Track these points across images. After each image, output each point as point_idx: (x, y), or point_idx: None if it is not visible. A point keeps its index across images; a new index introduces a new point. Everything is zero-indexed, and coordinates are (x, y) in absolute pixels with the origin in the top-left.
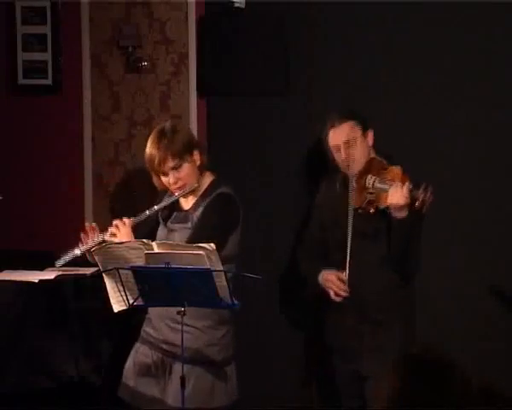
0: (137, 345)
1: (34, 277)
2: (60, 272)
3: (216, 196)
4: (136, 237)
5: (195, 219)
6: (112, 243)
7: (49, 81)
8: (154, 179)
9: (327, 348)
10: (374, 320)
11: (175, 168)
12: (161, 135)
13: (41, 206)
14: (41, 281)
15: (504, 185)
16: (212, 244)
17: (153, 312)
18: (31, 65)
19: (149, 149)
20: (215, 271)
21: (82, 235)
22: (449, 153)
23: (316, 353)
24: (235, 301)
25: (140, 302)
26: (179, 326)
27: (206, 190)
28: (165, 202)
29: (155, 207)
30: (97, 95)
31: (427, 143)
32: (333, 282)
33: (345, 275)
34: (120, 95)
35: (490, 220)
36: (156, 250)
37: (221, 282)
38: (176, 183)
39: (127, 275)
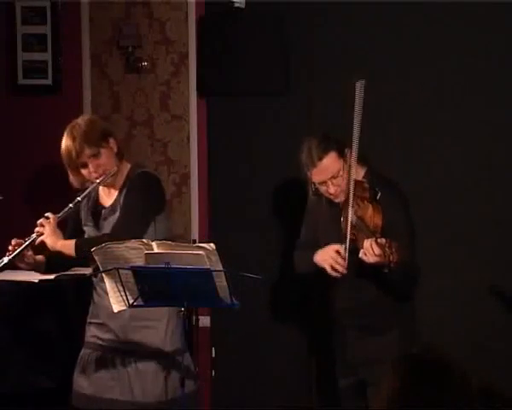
0: (86, 352)
1: (34, 277)
2: (60, 272)
3: (135, 176)
4: (64, 234)
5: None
6: (112, 243)
7: (49, 81)
8: (72, 178)
9: (327, 353)
10: (372, 326)
11: (93, 156)
12: (75, 127)
13: (41, 206)
14: (41, 281)
15: (504, 185)
16: (212, 244)
17: (105, 315)
18: (31, 65)
19: (65, 142)
20: (215, 271)
21: (9, 247)
22: (449, 153)
23: (316, 356)
24: (235, 301)
25: (140, 302)
26: (143, 323)
27: (127, 177)
28: (88, 190)
29: (78, 198)
30: (97, 95)
31: (428, 143)
32: (329, 254)
33: (344, 248)
34: (120, 95)
35: (490, 220)
36: (156, 250)
37: (221, 282)
38: (96, 171)
39: (127, 275)
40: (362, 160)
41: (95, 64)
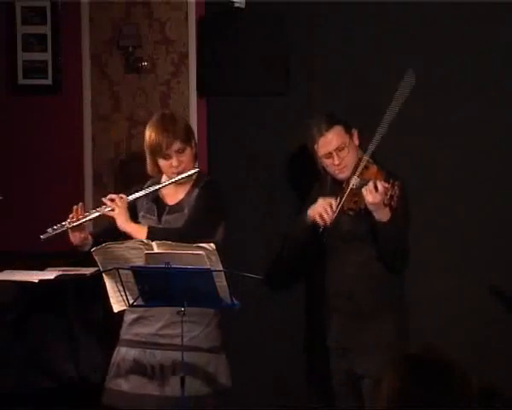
0: (122, 350)
1: (34, 277)
2: (60, 272)
3: (208, 182)
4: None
5: (191, 204)
6: (112, 243)
7: (49, 81)
8: (151, 165)
9: (323, 348)
10: (365, 319)
11: (179, 151)
12: (166, 119)
13: (41, 206)
14: (41, 281)
15: (505, 185)
16: (212, 244)
17: (151, 310)
18: (31, 65)
19: (156, 132)
20: (215, 271)
21: (71, 214)
22: (449, 153)
23: (313, 352)
24: (235, 301)
25: (140, 302)
26: (185, 318)
27: (196, 180)
28: (166, 183)
29: (155, 187)
30: (97, 95)
31: (428, 143)
32: (321, 203)
33: (336, 204)
34: (120, 95)
35: (490, 220)
36: (156, 250)
37: (221, 282)
38: (178, 166)
39: (127, 275)
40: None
41: (95, 64)
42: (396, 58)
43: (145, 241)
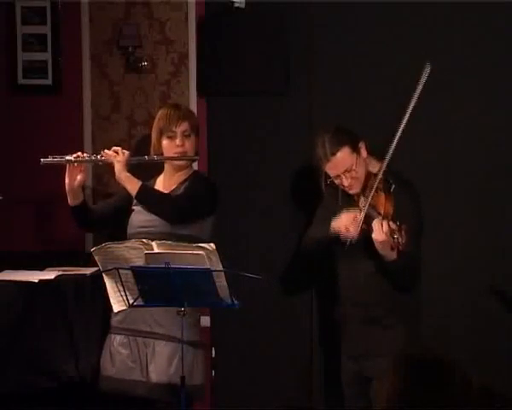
0: (111, 337)
1: (34, 277)
2: (60, 272)
3: (199, 177)
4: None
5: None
6: (112, 243)
7: (49, 81)
8: (155, 145)
9: (331, 349)
10: (377, 322)
11: (185, 134)
12: (179, 105)
13: (41, 206)
14: (41, 281)
15: (505, 185)
16: (212, 244)
17: None
18: (31, 65)
19: (168, 112)
20: (215, 271)
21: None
22: (449, 152)
23: (320, 353)
24: (235, 301)
25: (140, 302)
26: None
27: (190, 175)
28: (164, 158)
29: (155, 157)
30: (97, 95)
31: (428, 143)
32: (347, 217)
33: (360, 216)
34: (120, 95)
35: (490, 220)
36: (156, 250)
37: (221, 282)
38: (181, 146)
39: (127, 275)
40: (380, 155)
41: (95, 64)
42: (396, 58)
43: (145, 241)
